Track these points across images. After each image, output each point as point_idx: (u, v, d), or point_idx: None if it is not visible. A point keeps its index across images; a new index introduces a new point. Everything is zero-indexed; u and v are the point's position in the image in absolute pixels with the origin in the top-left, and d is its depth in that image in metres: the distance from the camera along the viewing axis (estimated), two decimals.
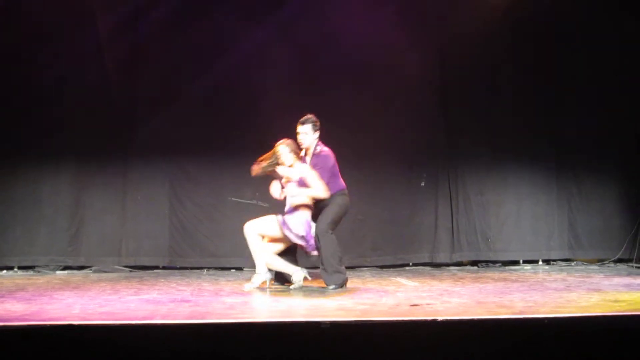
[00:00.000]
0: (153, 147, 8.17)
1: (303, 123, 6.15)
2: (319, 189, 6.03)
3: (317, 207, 6.16)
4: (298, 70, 8.13)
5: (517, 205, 8.59)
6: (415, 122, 8.12)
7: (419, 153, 8.28)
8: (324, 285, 6.18)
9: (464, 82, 8.49)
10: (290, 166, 6.11)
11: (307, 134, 6.16)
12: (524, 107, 8.54)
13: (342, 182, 6.28)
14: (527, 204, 8.61)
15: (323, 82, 8.14)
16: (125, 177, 8.24)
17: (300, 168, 6.10)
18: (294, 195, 6.04)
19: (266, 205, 7.55)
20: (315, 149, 6.20)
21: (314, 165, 6.09)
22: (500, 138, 8.51)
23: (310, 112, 6.37)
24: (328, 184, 6.07)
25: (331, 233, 6.09)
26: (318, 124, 6.20)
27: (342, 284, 6.06)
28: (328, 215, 6.10)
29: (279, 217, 6.04)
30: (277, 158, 6.05)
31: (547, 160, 8.61)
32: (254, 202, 7.68)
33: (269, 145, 6.40)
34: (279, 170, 6.08)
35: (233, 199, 8.03)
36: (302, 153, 6.23)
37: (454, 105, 8.50)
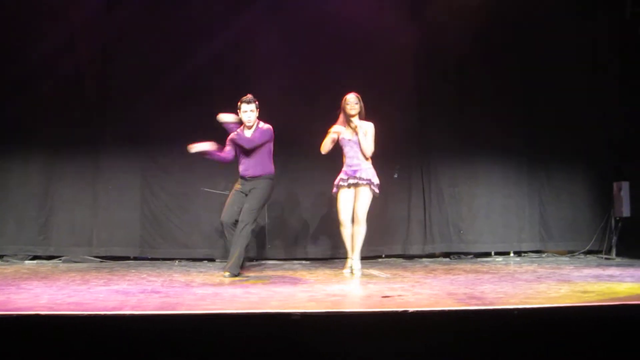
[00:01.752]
0: (125, 136, 8.12)
1: (249, 102, 6.45)
2: (372, 147, 6.64)
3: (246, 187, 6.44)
4: (279, 58, 8.13)
5: (488, 198, 8.64)
6: (388, 114, 7.94)
7: (392, 144, 8.06)
8: (297, 276, 6.40)
9: (436, 75, 8.53)
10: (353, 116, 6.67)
11: (254, 111, 6.50)
12: (496, 100, 8.57)
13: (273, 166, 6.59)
14: (499, 197, 8.67)
15: (296, 75, 8.16)
16: (97, 166, 8.20)
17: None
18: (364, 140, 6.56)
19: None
20: (258, 124, 6.56)
21: (261, 136, 6.47)
22: (473, 131, 8.53)
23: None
24: (265, 162, 6.47)
25: (254, 224, 6.45)
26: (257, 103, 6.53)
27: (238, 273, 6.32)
28: (257, 201, 6.40)
29: (362, 181, 6.51)
30: (357, 106, 6.59)
31: (518, 153, 8.65)
32: (227, 192, 7.51)
33: None
34: (355, 120, 6.61)
35: (205, 189, 8.02)
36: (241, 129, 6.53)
37: (427, 98, 8.52)
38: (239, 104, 6.47)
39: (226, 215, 6.44)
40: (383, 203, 7.96)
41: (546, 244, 8.69)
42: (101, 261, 8.05)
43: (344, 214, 6.63)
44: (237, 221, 6.37)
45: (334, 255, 8.15)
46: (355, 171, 6.65)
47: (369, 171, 6.65)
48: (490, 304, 4.73)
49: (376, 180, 6.61)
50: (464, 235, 8.55)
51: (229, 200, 6.56)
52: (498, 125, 8.56)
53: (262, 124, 6.53)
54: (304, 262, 8.00)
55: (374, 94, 7.30)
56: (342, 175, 6.66)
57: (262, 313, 4.24)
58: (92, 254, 8.12)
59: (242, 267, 6.51)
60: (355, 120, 6.59)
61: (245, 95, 6.48)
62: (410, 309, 4.24)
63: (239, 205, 6.44)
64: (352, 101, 6.65)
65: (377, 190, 6.59)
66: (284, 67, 8.05)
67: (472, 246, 8.56)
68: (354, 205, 6.60)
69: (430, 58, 8.46)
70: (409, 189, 8.54)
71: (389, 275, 6.64)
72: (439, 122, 8.47)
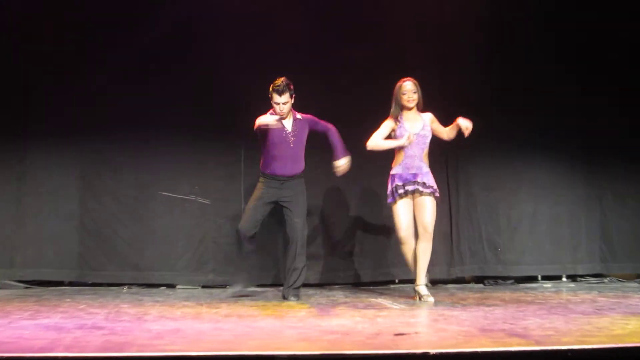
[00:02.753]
0: (60, 126, 8.19)
1: (282, 92, 6.85)
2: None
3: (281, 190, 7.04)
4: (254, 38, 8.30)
5: (533, 205, 8.72)
6: None
7: None
8: (283, 301, 6.78)
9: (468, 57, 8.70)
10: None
11: (288, 103, 6.91)
12: (544, 87, 8.71)
13: None
14: (547, 204, 8.75)
15: (283, 56, 8.28)
16: (23, 163, 8.26)
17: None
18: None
19: (207, 201, 8.05)
20: (295, 116, 7.02)
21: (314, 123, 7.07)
22: (514, 120, 8.63)
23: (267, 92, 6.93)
24: (303, 157, 7.08)
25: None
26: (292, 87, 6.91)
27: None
28: (304, 210, 7.09)
29: (425, 189, 6.85)
30: (415, 96, 6.91)
31: (572, 151, 8.80)
32: (192, 197, 7.87)
33: (216, 128, 7.63)
34: (408, 126, 6.90)
35: (164, 193, 8.14)
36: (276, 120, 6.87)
37: (455, 76, 8.57)
38: (270, 90, 6.91)
39: (249, 225, 7.03)
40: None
41: (609, 266, 8.76)
42: (27, 287, 8.08)
43: (405, 229, 6.92)
44: (256, 233, 7.02)
45: (330, 280, 8.28)
46: (415, 175, 6.92)
47: (430, 176, 6.96)
48: (537, 343, 4.75)
49: (436, 187, 6.97)
50: (502, 254, 8.59)
51: (253, 205, 7.07)
52: (546, 118, 8.68)
53: (297, 114, 7.07)
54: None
55: (388, 82, 7.37)
56: (397, 181, 6.92)
57: (237, 356, 4.21)
58: (15, 277, 8.13)
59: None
60: (407, 126, 6.92)
61: (278, 79, 6.87)
62: (432, 351, 4.24)
63: (263, 213, 7.06)
64: (409, 89, 6.92)
65: (438, 195, 6.97)
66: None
67: (512, 268, 8.60)
68: (415, 216, 6.88)
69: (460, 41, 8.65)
70: None
71: (403, 306, 6.69)
72: (470, 107, 8.21)
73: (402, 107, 6.96)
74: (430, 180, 6.94)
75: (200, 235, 8.27)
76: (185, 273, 8.18)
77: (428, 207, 6.86)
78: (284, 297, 7.03)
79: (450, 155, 8.52)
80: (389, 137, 6.99)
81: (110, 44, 8.14)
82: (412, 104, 6.94)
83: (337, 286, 8.09)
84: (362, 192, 8.38)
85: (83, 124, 8.15)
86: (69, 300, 7.08)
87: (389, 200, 6.99)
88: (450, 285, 8.39)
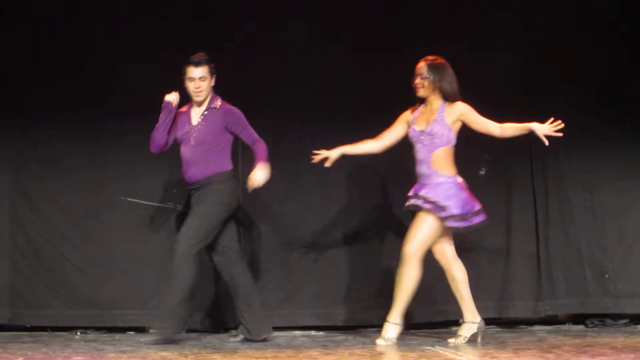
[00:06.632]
0: None
1: (199, 64, 6.71)
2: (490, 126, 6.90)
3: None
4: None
5: None
6: (478, 81, 7.34)
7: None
8: (302, 349, 6.39)
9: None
10: None
11: (206, 80, 6.79)
12: None
13: None
14: None
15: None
16: None
17: None
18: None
19: (178, 207, 7.55)
20: (210, 104, 6.86)
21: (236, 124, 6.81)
22: (620, 101, 8.07)
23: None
24: (223, 158, 6.82)
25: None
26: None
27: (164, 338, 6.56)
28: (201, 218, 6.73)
29: (425, 204, 6.50)
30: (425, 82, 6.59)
31: None
32: (169, 205, 7.44)
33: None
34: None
35: (129, 199, 7.48)
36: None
37: (541, 56, 8.12)
38: (184, 67, 6.79)
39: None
40: None
41: None
42: None
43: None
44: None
45: (367, 320, 7.58)
46: (423, 186, 6.66)
47: (440, 190, 6.58)
48: None
49: (452, 206, 6.52)
50: (611, 283, 7.88)
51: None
52: None
53: (219, 100, 6.86)
54: (312, 333, 7.58)
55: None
56: (411, 191, 6.76)
57: None
58: None
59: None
60: (417, 123, 6.69)
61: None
62: None
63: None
64: (417, 73, 6.69)
65: (456, 224, 6.58)
66: None
67: (626, 303, 7.88)
68: (410, 227, 6.66)
69: None
70: (507, 197, 7.93)
71: (472, 358, 6.07)
72: (560, 86, 8.03)
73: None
74: (437, 195, 6.53)
75: None
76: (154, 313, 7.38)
77: (419, 224, 6.55)
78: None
79: (536, 145, 7.64)
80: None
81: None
82: (420, 92, 6.66)
83: (376, 329, 7.13)
84: (398, 190, 7.64)
85: (16, 112, 7.55)
86: None
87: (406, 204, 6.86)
88: (537, 327, 7.77)
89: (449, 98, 6.69)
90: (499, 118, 7.19)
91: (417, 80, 6.70)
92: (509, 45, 8.22)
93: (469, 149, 7.68)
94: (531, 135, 7.36)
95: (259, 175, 6.71)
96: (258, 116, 7.35)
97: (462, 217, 6.57)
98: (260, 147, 6.89)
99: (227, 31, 8.02)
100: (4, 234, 7.51)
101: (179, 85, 7.09)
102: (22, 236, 7.50)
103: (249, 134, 6.91)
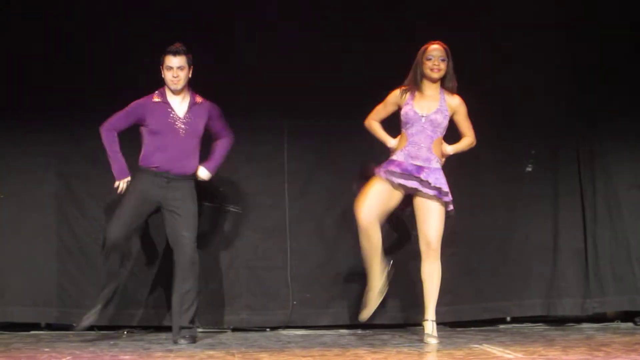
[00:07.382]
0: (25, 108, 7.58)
1: (177, 53, 6.65)
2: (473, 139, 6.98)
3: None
4: None
5: None
6: (520, 71, 7.52)
7: (525, 119, 7.65)
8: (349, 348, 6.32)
9: None
10: None
11: (184, 69, 6.70)
12: None
13: None
14: None
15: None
16: None
17: None
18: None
19: (238, 209, 7.44)
20: (194, 98, 6.78)
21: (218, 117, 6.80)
22: None
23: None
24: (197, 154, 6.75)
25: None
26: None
27: None
28: (194, 218, 6.68)
29: (429, 190, 6.42)
30: (444, 65, 6.50)
31: None
32: (216, 204, 7.33)
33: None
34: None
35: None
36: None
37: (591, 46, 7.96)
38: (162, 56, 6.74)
39: (119, 232, 6.60)
40: (505, 220, 7.80)
41: None
42: None
43: (368, 211, 6.50)
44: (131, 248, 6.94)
45: (412, 318, 7.46)
46: (420, 169, 6.56)
47: (440, 175, 6.61)
48: None
49: (449, 191, 6.57)
50: None
51: (127, 205, 6.63)
52: None
53: (199, 98, 6.85)
54: (359, 331, 7.44)
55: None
56: (394, 168, 6.60)
57: None
58: None
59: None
60: (418, 107, 6.52)
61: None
62: None
63: (140, 217, 6.72)
64: (436, 55, 6.56)
65: (451, 207, 6.62)
66: None
67: None
68: (421, 221, 6.56)
69: None
70: (554, 194, 7.80)
71: (519, 355, 5.99)
72: (612, 84, 7.89)
73: (424, 77, 6.55)
74: (438, 180, 6.52)
75: (227, 258, 7.61)
76: (208, 310, 7.41)
77: (433, 216, 6.52)
78: (174, 342, 6.63)
79: (584, 141, 7.86)
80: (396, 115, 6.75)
81: None
82: (437, 74, 6.52)
83: (419, 327, 7.06)
84: None
85: (58, 101, 7.51)
86: (47, 350, 6.39)
87: (376, 169, 6.62)
88: (585, 325, 7.67)
89: (449, 88, 6.61)
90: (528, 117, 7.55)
91: (436, 62, 6.54)
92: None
93: (515, 145, 7.83)
94: (578, 134, 7.70)
95: (204, 174, 6.69)
96: (258, 116, 7.37)
97: (452, 201, 6.58)
98: (226, 142, 6.88)
99: (227, 31, 7.83)
100: (50, 233, 7.50)
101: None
102: (69, 235, 7.51)
103: (223, 126, 6.91)
